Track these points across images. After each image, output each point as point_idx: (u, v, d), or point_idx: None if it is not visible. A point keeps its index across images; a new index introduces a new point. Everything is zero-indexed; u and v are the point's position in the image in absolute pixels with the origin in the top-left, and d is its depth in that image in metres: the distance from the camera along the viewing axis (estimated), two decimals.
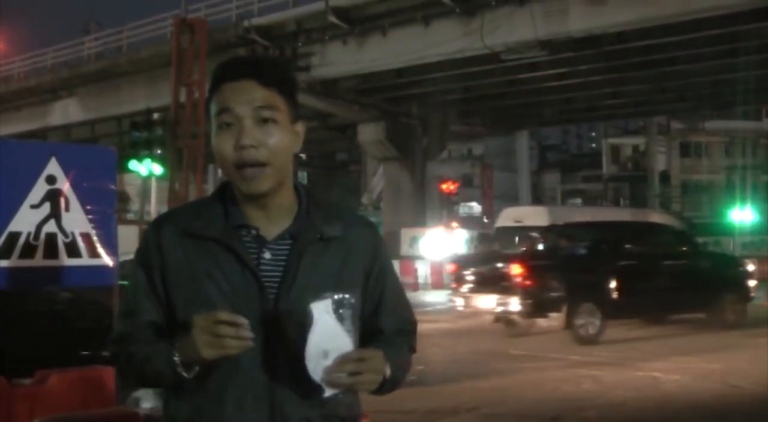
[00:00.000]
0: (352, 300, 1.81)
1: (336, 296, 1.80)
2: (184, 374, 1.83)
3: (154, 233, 1.96)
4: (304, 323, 1.79)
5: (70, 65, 35.04)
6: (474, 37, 23.30)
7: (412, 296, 8.59)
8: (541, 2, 22.43)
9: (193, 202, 2.09)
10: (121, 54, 32.58)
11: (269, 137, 1.88)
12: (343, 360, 1.76)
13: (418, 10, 24.47)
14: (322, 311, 1.78)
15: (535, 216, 21.80)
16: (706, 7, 20.23)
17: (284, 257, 1.92)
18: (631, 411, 8.56)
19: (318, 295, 1.81)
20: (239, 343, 1.76)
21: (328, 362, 1.77)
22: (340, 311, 1.79)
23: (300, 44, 27.13)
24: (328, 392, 1.79)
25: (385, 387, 1.90)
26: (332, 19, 25.42)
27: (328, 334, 1.78)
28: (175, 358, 1.82)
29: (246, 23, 27.00)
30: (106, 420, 4.32)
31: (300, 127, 1.97)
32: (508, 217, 23.80)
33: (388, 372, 1.88)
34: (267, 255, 1.91)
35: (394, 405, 7.68)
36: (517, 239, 19.80)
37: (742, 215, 42.40)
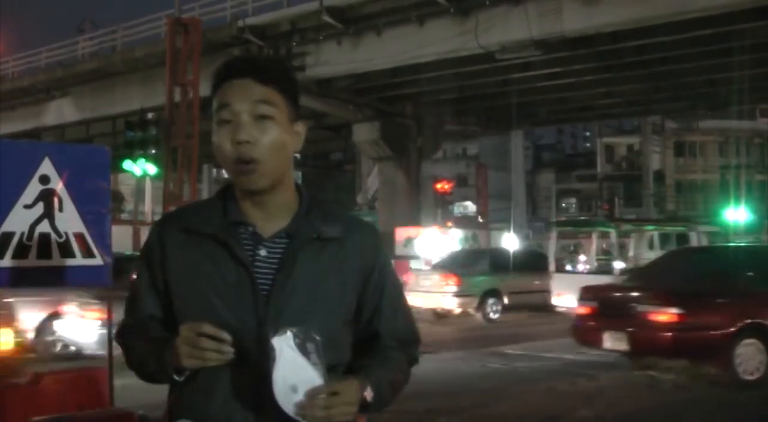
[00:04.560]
0: (316, 335, 1.77)
1: (297, 330, 1.77)
2: (176, 377, 1.86)
3: (157, 230, 2.01)
4: (300, 321, 1.78)
5: (64, 65, 34.91)
6: (468, 37, 23.29)
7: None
8: (536, 2, 22.43)
9: (198, 201, 2.13)
10: (116, 54, 32.47)
11: (265, 134, 1.88)
12: (314, 393, 1.74)
13: (412, 9, 24.44)
14: (284, 345, 1.76)
15: None
16: (700, 7, 20.25)
17: (279, 255, 1.91)
18: (627, 410, 8.57)
19: (313, 294, 1.81)
20: (219, 357, 1.78)
21: (299, 396, 1.75)
22: (305, 345, 1.76)
23: (294, 44, 27.09)
24: None
25: (369, 408, 1.88)
26: (327, 18, 25.39)
27: (293, 368, 1.75)
28: (168, 364, 1.85)
29: (240, 23, 26.93)
30: (101, 420, 4.32)
31: (300, 127, 1.97)
32: None
33: (369, 396, 1.86)
34: (263, 252, 1.91)
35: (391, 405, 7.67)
36: None
37: (736, 214, 42.52)
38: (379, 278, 2.01)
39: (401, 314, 2.07)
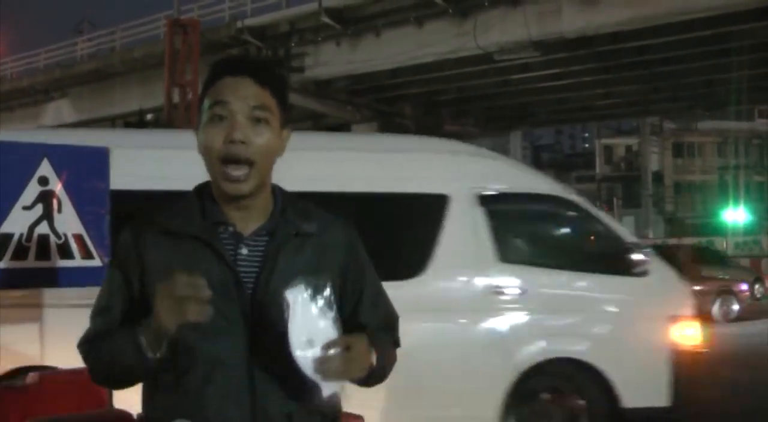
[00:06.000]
0: (327, 287, 1.79)
1: (309, 283, 1.78)
2: (149, 354, 1.80)
3: (130, 233, 1.97)
4: (282, 315, 1.77)
5: (62, 66, 34.93)
6: (467, 38, 23.30)
7: None
8: (535, 3, 22.44)
9: (173, 202, 2.08)
10: (114, 55, 32.49)
11: (259, 137, 1.89)
12: (329, 347, 1.74)
13: (411, 10, 24.46)
14: (296, 297, 1.77)
15: None
16: (699, 8, 20.27)
17: (261, 253, 1.92)
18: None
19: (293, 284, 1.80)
20: (198, 308, 1.72)
21: (315, 351, 1.75)
22: (316, 297, 1.77)
23: (293, 45, 27.09)
24: (326, 390, 1.76)
25: (372, 376, 1.89)
26: (325, 19, 25.40)
27: (307, 321, 1.76)
28: (141, 337, 1.80)
29: (239, 24, 26.95)
30: (99, 421, 4.31)
31: (286, 133, 1.99)
32: None
33: (374, 359, 1.87)
34: (244, 251, 1.92)
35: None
36: None
37: (735, 215, 42.60)
38: (358, 271, 2.03)
39: (382, 304, 2.09)
